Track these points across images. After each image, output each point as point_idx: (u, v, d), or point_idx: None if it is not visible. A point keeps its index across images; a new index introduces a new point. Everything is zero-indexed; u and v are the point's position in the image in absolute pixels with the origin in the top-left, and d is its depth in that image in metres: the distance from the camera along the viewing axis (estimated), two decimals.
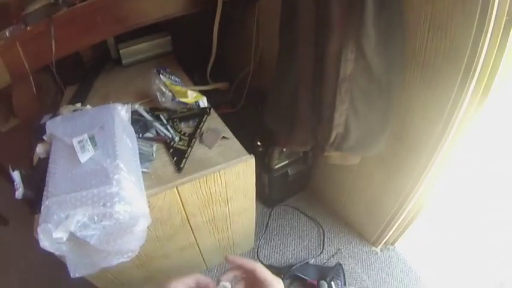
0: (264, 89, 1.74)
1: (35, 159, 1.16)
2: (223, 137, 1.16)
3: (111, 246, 0.86)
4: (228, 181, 1.13)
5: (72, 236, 0.81)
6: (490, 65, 0.86)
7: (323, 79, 1.02)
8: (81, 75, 1.71)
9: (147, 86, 1.36)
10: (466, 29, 0.83)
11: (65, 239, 0.80)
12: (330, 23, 0.93)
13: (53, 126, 1.08)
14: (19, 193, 0.99)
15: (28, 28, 1.24)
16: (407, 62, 1.02)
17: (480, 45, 0.82)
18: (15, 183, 1.00)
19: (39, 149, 1.11)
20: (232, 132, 1.20)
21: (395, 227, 1.45)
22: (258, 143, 1.38)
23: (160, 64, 1.59)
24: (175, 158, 1.11)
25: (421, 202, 1.30)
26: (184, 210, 1.12)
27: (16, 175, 1.01)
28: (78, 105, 1.37)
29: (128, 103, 1.21)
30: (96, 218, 0.82)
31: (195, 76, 1.67)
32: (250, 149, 1.15)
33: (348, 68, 0.96)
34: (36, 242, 0.81)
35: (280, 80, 1.18)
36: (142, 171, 1.04)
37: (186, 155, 1.11)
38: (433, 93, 1.00)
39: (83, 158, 0.92)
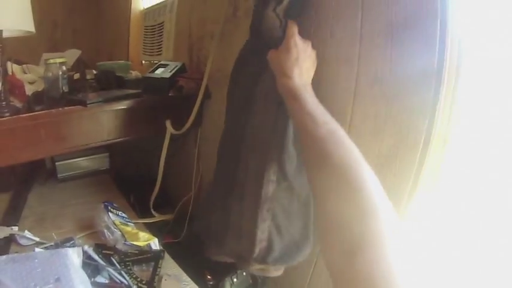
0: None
1: None
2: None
3: None
4: None
5: None
6: None
7: (244, 198, 1.06)
8: (12, 183, 1.62)
9: (88, 214, 1.34)
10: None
11: None
12: (252, 145, 1.01)
13: None
14: None
15: None
16: None
17: None
18: None
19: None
20: (178, 264, 1.23)
21: None
22: (208, 277, 1.39)
23: (98, 183, 1.56)
24: None
25: None
26: None
27: None
28: (15, 228, 1.32)
29: (76, 242, 1.17)
30: None
31: (131, 197, 1.66)
32: (200, 281, 1.19)
33: (270, 189, 1.01)
34: None
35: (213, 189, 1.23)
36: None
37: None
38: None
39: None
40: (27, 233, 1.27)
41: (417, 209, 1.00)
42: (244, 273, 1.48)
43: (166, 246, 1.29)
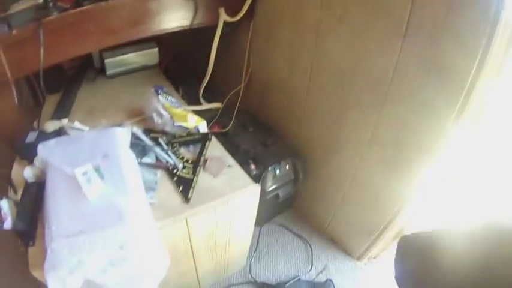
0: (254, 110, 1.73)
1: (15, 176, 1.09)
2: (229, 166, 1.15)
3: None
4: (234, 209, 1.13)
5: (87, 282, 0.78)
6: None
7: None
8: (62, 83, 1.62)
9: (137, 102, 1.32)
10: None
11: (79, 286, 0.77)
12: None
13: (47, 151, 1.00)
14: (8, 223, 0.91)
15: (13, 32, 1.14)
16: None
17: None
18: (2, 212, 0.93)
19: (27, 173, 1.04)
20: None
21: (379, 244, 1.50)
22: (252, 166, 1.38)
23: (147, 77, 1.54)
24: (181, 187, 1.08)
25: (406, 223, 1.35)
26: (190, 240, 1.11)
27: (4, 203, 0.94)
28: (65, 121, 1.30)
29: (125, 125, 1.17)
30: (114, 261, 0.79)
31: (180, 90, 1.64)
32: (244, 169, 1.16)
33: None
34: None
35: None
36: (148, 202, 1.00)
37: (192, 185, 1.09)
38: (427, 127, 1.05)
39: (90, 193, 0.87)
40: (76, 124, 1.26)
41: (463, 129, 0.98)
42: (287, 167, 1.47)
43: (214, 136, 1.27)
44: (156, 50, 1.68)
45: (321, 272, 1.60)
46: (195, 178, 1.11)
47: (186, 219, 1.02)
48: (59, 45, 1.23)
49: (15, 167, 1.12)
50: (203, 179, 1.12)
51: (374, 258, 1.64)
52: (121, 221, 0.82)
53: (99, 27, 1.27)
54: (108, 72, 1.65)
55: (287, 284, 1.51)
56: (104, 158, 0.96)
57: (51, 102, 1.51)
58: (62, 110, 1.45)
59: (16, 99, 1.26)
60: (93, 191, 0.87)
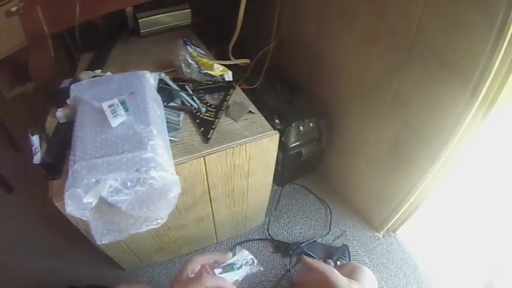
0: (282, 69, 1.75)
1: (49, 125, 1.14)
2: (250, 111, 1.18)
3: (143, 213, 0.86)
4: (252, 155, 1.14)
5: (100, 202, 0.81)
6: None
7: None
8: (97, 43, 1.69)
9: (168, 57, 1.35)
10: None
11: (94, 204, 0.80)
12: None
13: (79, 89, 1.05)
14: (37, 158, 0.97)
15: None
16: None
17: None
18: (33, 147, 0.98)
19: (60, 113, 1.09)
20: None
21: (398, 214, 1.49)
22: (277, 121, 1.40)
23: (179, 36, 1.58)
24: (202, 129, 1.11)
25: (426, 193, 1.33)
26: (207, 181, 1.14)
27: (35, 139, 0.99)
28: (98, 71, 1.36)
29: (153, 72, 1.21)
30: (129, 184, 0.81)
31: (212, 51, 1.66)
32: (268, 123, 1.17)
33: None
34: (45, 209, 0.79)
35: None
36: (169, 140, 1.04)
37: (213, 126, 1.12)
38: (449, 91, 1.03)
39: (114, 122, 0.91)
40: (109, 74, 1.29)
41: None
42: (311, 124, 1.48)
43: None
44: (188, 10, 1.72)
45: (338, 237, 1.60)
46: (216, 121, 1.14)
47: (204, 158, 1.05)
48: (94, 1, 1.28)
49: (49, 118, 1.17)
50: (224, 123, 1.15)
51: (393, 231, 1.63)
52: (139, 147, 0.86)
53: None
54: (142, 31, 1.71)
55: (302, 244, 1.52)
56: (130, 94, 1.01)
57: (85, 59, 1.58)
58: (96, 63, 1.52)
59: (52, 52, 1.33)
60: (117, 121, 0.91)
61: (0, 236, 1.67)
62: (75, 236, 1.10)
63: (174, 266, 1.53)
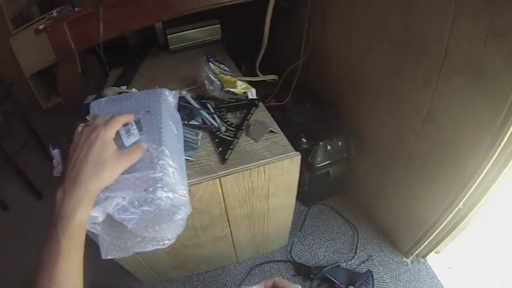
0: (311, 85, 1.72)
1: None
2: (271, 131, 1.14)
3: (149, 233, 0.85)
4: (272, 177, 1.10)
5: (108, 218, 0.81)
6: None
7: None
8: (127, 58, 1.73)
9: (195, 73, 1.35)
10: None
11: (101, 219, 0.79)
12: None
13: (98, 107, 1.06)
14: (58, 171, 0.99)
15: (76, 9, 1.24)
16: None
17: None
18: (54, 160, 1.00)
19: (80, 129, 1.11)
20: (278, 126, 1.18)
21: (429, 239, 1.40)
22: (303, 140, 1.36)
23: (209, 52, 1.58)
24: (220, 149, 1.09)
25: (459, 217, 1.25)
26: (224, 202, 1.11)
27: (56, 153, 1.01)
28: (124, 87, 1.37)
29: (175, 89, 1.20)
30: (136, 203, 0.81)
31: (243, 67, 1.66)
32: (294, 144, 1.12)
33: None
34: None
35: None
36: (185, 159, 1.03)
37: (231, 146, 1.09)
38: (486, 104, 0.95)
39: (128, 141, 0.90)
40: (133, 90, 1.31)
41: None
42: (339, 143, 1.43)
43: (270, 109, 1.26)
44: (218, 26, 1.74)
45: (364, 262, 1.53)
46: (234, 140, 1.11)
47: (220, 179, 1.02)
48: (117, 19, 1.33)
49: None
50: (243, 142, 1.12)
51: (423, 257, 1.54)
52: (149, 166, 0.85)
53: (156, 1, 1.33)
54: (171, 47, 1.73)
55: (325, 269, 1.46)
56: (146, 113, 1.00)
57: (115, 73, 1.62)
58: (124, 79, 1.55)
59: (80, 68, 1.37)
60: (130, 140, 0.91)
61: (26, 240, 1.70)
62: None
63: (192, 282, 1.51)
